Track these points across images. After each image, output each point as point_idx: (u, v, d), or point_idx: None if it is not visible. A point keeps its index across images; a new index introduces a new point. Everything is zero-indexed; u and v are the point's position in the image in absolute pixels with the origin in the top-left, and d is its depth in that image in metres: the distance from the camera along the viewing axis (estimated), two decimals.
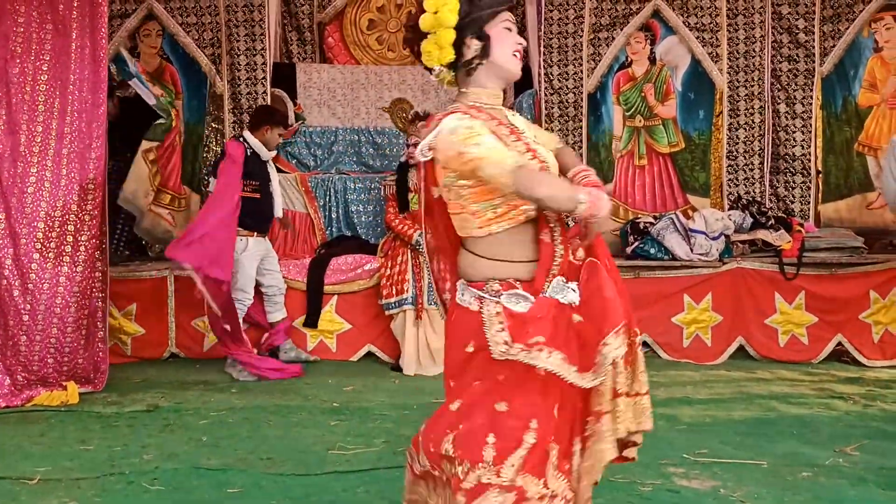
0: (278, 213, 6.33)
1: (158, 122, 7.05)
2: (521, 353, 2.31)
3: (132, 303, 6.33)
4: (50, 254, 5.21)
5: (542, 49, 7.31)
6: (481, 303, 2.39)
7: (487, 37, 2.48)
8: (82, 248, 5.28)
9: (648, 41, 7.33)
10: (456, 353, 2.44)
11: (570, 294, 2.43)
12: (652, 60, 7.33)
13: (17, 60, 5.18)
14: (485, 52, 2.48)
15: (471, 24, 2.47)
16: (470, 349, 2.40)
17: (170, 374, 5.98)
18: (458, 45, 2.48)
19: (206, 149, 7.20)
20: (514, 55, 2.50)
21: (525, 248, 2.42)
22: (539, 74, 7.36)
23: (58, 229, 5.24)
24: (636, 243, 6.77)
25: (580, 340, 2.40)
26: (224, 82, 7.19)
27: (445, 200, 2.52)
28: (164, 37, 7.22)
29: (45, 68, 5.23)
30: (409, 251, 6.14)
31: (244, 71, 7.20)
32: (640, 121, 7.35)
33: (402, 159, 6.36)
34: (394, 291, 6.12)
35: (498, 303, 2.36)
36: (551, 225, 2.40)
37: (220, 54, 7.20)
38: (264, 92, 7.25)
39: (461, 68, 2.51)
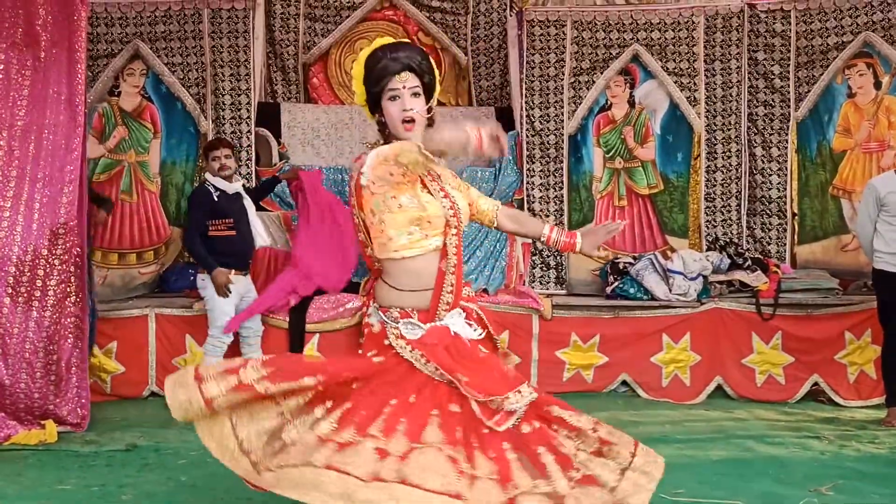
0: (260, 242, 6.31)
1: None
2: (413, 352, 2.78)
3: (112, 341, 6.31)
4: (20, 298, 5.15)
5: (523, 91, 7.41)
6: (384, 326, 2.86)
7: (381, 111, 2.90)
8: (51, 293, 5.22)
9: (628, 85, 7.43)
10: (362, 360, 2.89)
11: (467, 329, 2.86)
12: (631, 104, 7.44)
13: None
14: (383, 126, 2.93)
15: (370, 102, 2.93)
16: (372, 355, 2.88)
17: (149, 413, 5.93)
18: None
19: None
20: (403, 123, 2.85)
21: (428, 275, 2.84)
22: (521, 116, 7.46)
23: (28, 273, 5.18)
24: (616, 283, 6.83)
25: (480, 364, 2.81)
26: (209, 121, 7.24)
27: (369, 225, 2.90)
28: (147, 76, 7.27)
29: (22, 113, 5.22)
30: None
31: (229, 110, 7.27)
32: (619, 163, 7.44)
33: None
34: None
35: (396, 328, 2.82)
36: (449, 256, 2.83)
37: (204, 94, 7.26)
38: (249, 131, 7.31)
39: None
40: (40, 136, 5.24)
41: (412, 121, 2.86)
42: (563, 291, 7.26)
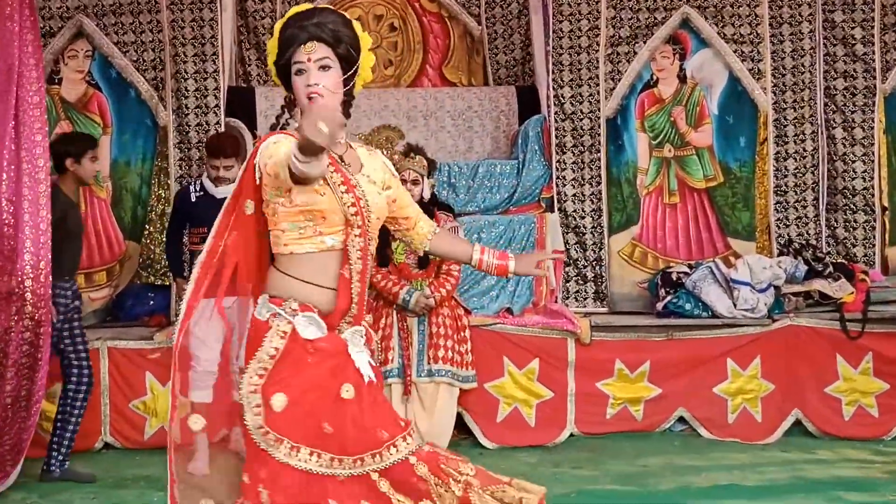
0: None
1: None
2: (254, 393, 2.85)
3: (56, 382, 6.23)
4: None
5: (550, 67, 7.38)
6: (274, 317, 2.89)
7: (289, 85, 2.99)
8: None
9: (677, 56, 7.39)
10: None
11: (362, 356, 2.90)
12: (682, 79, 7.40)
13: None
14: (290, 104, 3.04)
15: (281, 77, 3.03)
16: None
17: (103, 469, 5.89)
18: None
19: (151, 194, 7.25)
20: (309, 100, 2.92)
21: (328, 276, 2.92)
22: (548, 97, 7.42)
23: None
24: (668, 297, 6.79)
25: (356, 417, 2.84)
26: (168, 112, 7.20)
27: (264, 214, 3.00)
28: (93, 58, 7.26)
29: None
30: (393, 312, 6.11)
31: (193, 98, 7.23)
32: (669, 150, 7.40)
33: None
34: (376, 362, 6.06)
35: (290, 322, 2.86)
36: (351, 261, 2.92)
37: (163, 78, 7.23)
38: (217, 123, 7.27)
39: None
40: None
41: (317, 95, 2.91)
42: (604, 309, 7.23)
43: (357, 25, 3.05)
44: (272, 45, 3.02)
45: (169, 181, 7.17)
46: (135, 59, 7.22)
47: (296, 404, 2.81)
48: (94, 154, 5.89)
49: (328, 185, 2.89)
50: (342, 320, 2.93)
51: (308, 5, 3.08)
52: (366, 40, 3.05)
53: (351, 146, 3.05)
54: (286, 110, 3.10)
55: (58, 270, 5.47)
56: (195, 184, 6.26)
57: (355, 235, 2.92)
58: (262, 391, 2.83)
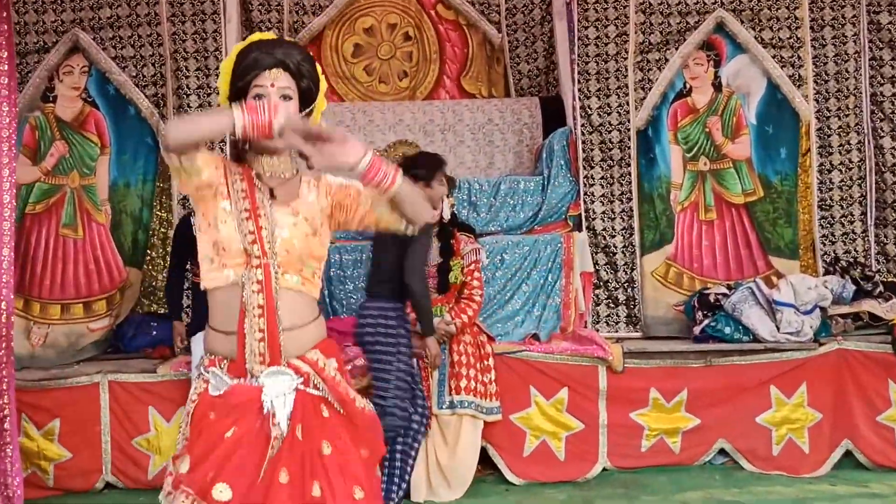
0: None
1: None
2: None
3: (54, 418, 6.33)
4: None
5: (576, 76, 7.41)
6: (197, 378, 3.02)
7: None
8: None
9: (711, 62, 7.44)
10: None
11: (281, 400, 2.89)
12: (717, 87, 7.44)
13: None
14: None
15: (232, 100, 3.05)
16: None
17: None
18: None
19: (153, 217, 7.34)
20: None
21: (232, 317, 2.96)
22: (574, 108, 7.47)
23: None
24: (706, 321, 6.78)
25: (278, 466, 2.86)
26: None
27: None
28: (90, 74, 7.37)
29: None
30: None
31: (196, 115, 7.30)
32: (704, 163, 7.43)
33: None
34: None
35: (205, 381, 2.97)
36: (245, 297, 2.92)
37: (164, 95, 7.34)
38: (222, 141, 7.33)
39: None
40: None
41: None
42: (638, 334, 7.25)
43: (318, 66, 3.16)
44: (227, 66, 3.08)
45: (171, 203, 7.26)
46: (134, 74, 7.33)
47: (197, 466, 2.86)
48: (443, 175, 5.97)
49: (232, 212, 3.00)
50: (253, 363, 2.93)
51: (273, 35, 3.17)
52: (323, 84, 3.17)
53: (302, 177, 3.11)
54: (236, 143, 3.12)
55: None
56: (191, 214, 6.31)
57: (254, 267, 2.94)
58: (175, 456, 2.98)
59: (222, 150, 7.04)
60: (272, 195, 3.04)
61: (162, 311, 7.08)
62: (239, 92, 3.03)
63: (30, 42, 7.26)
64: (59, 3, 7.31)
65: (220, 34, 7.39)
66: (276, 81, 3.00)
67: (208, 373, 2.97)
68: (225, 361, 2.98)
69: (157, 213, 7.33)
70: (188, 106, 7.33)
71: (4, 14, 5.39)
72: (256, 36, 3.11)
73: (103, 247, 7.26)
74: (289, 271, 3.00)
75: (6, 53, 5.41)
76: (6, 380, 5.36)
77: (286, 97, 3.01)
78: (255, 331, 2.93)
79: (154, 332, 6.98)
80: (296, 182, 3.10)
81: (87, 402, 6.41)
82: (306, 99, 3.08)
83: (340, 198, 3.11)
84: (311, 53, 3.18)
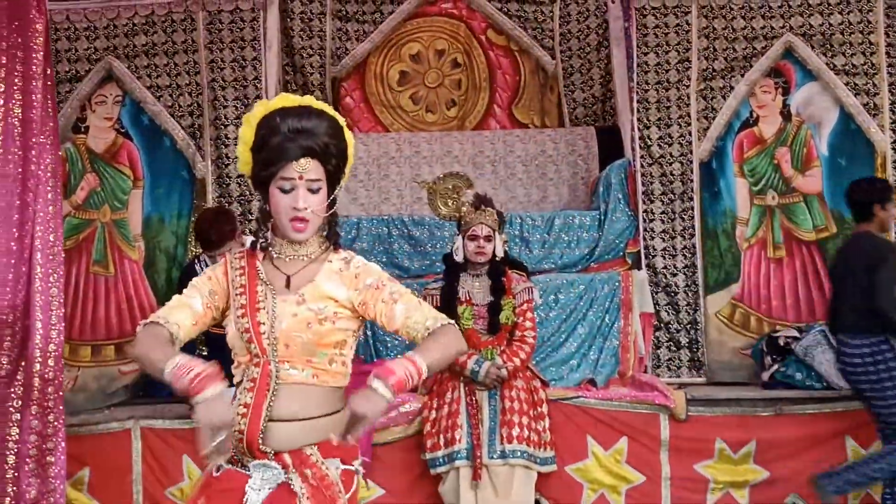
0: None
1: None
2: None
3: (83, 467, 6.37)
4: None
5: (634, 105, 7.43)
6: None
7: (267, 196, 3.10)
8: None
9: (780, 90, 7.43)
10: None
11: (258, 494, 2.99)
12: (786, 116, 7.42)
13: None
14: (265, 213, 3.13)
15: (255, 181, 3.13)
16: None
17: None
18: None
19: (188, 253, 7.37)
20: (292, 222, 3.07)
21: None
22: (632, 139, 7.48)
23: None
24: (776, 366, 6.76)
25: None
26: (207, 162, 7.39)
27: None
28: (123, 104, 7.47)
29: None
30: (461, 386, 6.09)
31: (233, 147, 7.29)
32: (773, 197, 7.41)
33: (457, 257, 6.30)
34: (441, 442, 6.06)
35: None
36: (238, 393, 3.06)
37: (201, 125, 7.42)
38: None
39: None
40: None
41: (304, 221, 3.08)
42: (702, 380, 7.21)
43: (346, 130, 3.17)
44: (247, 136, 3.10)
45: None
46: (169, 104, 7.42)
47: None
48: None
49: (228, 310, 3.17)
50: (239, 455, 3.04)
51: (296, 100, 3.13)
52: (351, 142, 3.17)
53: (329, 258, 3.16)
54: (261, 221, 3.17)
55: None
56: (196, 260, 6.33)
57: (252, 365, 3.06)
58: None
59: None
60: (287, 283, 3.12)
61: (197, 354, 7.09)
62: (262, 179, 3.08)
63: (62, 71, 7.37)
64: (93, 30, 7.43)
65: (260, 62, 7.45)
66: (304, 173, 3.03)
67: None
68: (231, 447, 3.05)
69: (193, 249, 7.32)
70: (226, 137, 7.40)
71: (40, 40, 5.51)
72: (278, 102, 3.10)
73: (136, 285, 7.33)
74: (295, 365, 3.06)
75: (41, 84, 5.53)
76: (56, 424, 5.45)
77: (314, 190, 3.05)
78: (236, 432, 2.99)
79: None
80: (318, 263, 3.16)
81: (118, 450, 6.43)
82: (335, 178, 3.13)
83: (367, 298, 3.13)
84: (338, 117, 3.15)
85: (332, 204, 3.14)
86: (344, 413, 3.01)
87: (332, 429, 3.01)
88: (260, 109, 3.11)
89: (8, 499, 5.31)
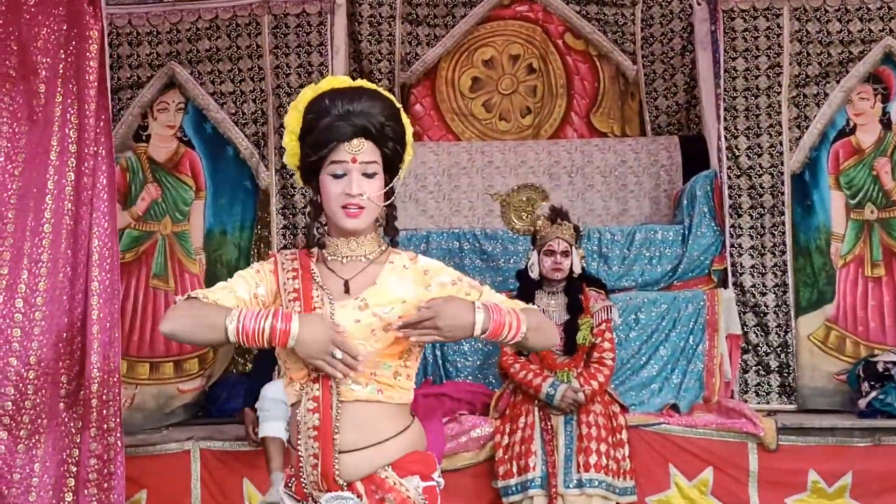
0: None
1: None
2: None
3: (140, 489, 6.37)
4: (22, 431, 5.21)
5: (721, 113, 7.36)
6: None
7: (317, 185, 2.94)
8: (62, 423, 5.30)
9: (879, 97, 7.32)
10: None
11: None
12: (885, 124, 7.31)
13: None
14: (317, 206, 2.97)
15: (304, 169, 2.97)
16: None
17: None
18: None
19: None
20: (344, 210, 2.89)
21: (296, 436, 2.90)
22: (719, 149, 7.40)
23: (32, 396, 5.24)
24: (873, 393, 6.69)
25: None
26: (271, 172, 7.37)
27: None
28: (186, 112, 7.50)
29: (17, 172, 5.34)
30: (535, 409, 6.08)
31: None
32: (871, 211, 7.29)
33: (533, 273, 6.32)
34: (514, 469, 6.03)
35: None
36: (299, 416, 2.86)
37: (265, 134, 7.41)
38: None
39: None
40: (41, 204, 5.37)
41: (361, 209, 2.89)
42: (793, 407, 7.12)
43: (403, 115, 3.01)
44: (293, 122, 2.94)
45: (271, 252, 7.27)
46: (233, 111, 7.43)
47: None
48: None
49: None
50: (309, 488, 2.90)
51: (346, 81, 2.99)
52: (409, 129, 3.01)
53: (390, 257, 3.00)
54: (313, 215, 3.01)
55: None
56: None
57: (310, 381, 2.85)
58: None
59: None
60: (346, 288, 2.93)
61: (235, 371, 7.15)
62: (311, 166, 2.92)
63: (123, 77, 7.43)
64: (155, 35, 7.48)
65: (327, 67, 7.44)
66: (357, 155, 2.86)
67: (283, 489, 3.00)
68: (293, 480, 2.96)
69: (255, 263, 7.33)
70: None
71: (94, 47, 5.50)
72: (327, 83, 2.95)
73: None
74: (357, 380, 2.85)
75: (95, 92, 5.52)
76: (117, 447, 5.43)
77: (370, 175, 2.89)
78: (309, 456, 2.85)
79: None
80: (379, 264, 2.98)
81: (176, 472, 6.43)
82: (392, 165, 2.95)
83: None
84: (394, 100, 2.99)
85: (389, 194, 2.95)
86: (413, 427, 2.95)
87: (405, 447, 2.90)
88: (307, 93, 2.93)
89: None
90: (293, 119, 2.92)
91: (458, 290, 2.95)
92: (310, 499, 2.89)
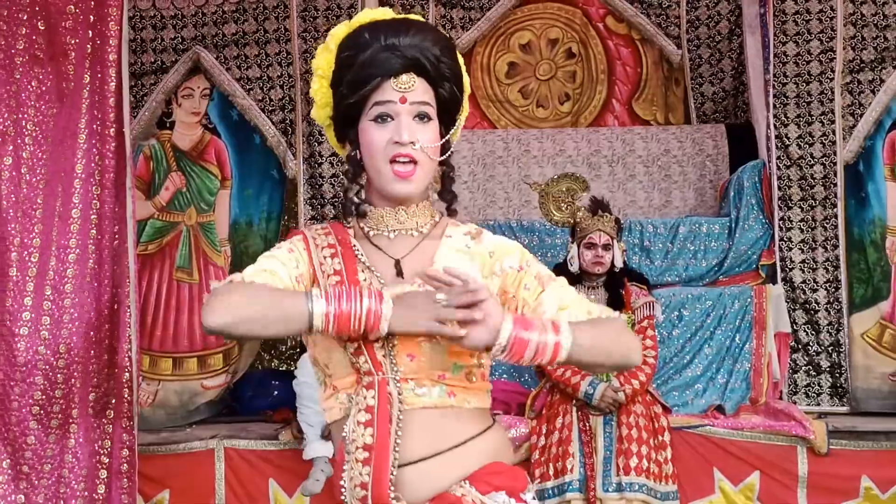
0: None
1: None
2: None
3: (163, 489, 6.42)
4: (53, 421, 5.27)
5: (771, 100, 7.32)
6: None
7: (356, 137, 2.49)
8: (94, 412, 5.37)
9: None
10: None
11: None
12: None
13: (9, 146, 5.36)
14: (356, 164, 2.50)
15: (339, 119, 2.53)
16: None
17: None
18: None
19: None
20: (392, 165, 2.44)
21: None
22: (767, 138, 7.37)
23: (62, 386, 5.30)
24: None
25: None
26: (299, 161, 7.39)
27: None
28: (211, 98, 7.53)
29: (45, 157, 5.39)
30: (573, 409, 6.05)
31: (327, 144, 7.30)
32: None
33: (572, 267, 6.25)
34: (551, 472, 6.01)
35: None
36: (346, 431, 2.37)
37: (293, 121, 7.43)
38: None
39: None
40: (69, 190, 5.41)
41: (413, 164, 2.44)
42: (845, 409, 7.08)
43: (459, 56, 2.59)
44: (325, 65, 2.51)
45: (297, 229, 7.29)
46: (260, 98, 7.44)
47: None
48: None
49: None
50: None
51: (388, 13, 2.56)
52: (467, 82, 2.61)
53: (446, 229, 2.59)
54: (350, 175, 2.54)
55: None
56: None
57: (363, 387, 2.39)
58: None
59: None
60: (398, 270, 2.50)
61: (283, 369, 7.15)
62: (349, 111, 2.48)
63: (146, 62, 7.46)
64: (180, 18, 7.50)
65: None
66: (407, 94, 2.42)
67: None
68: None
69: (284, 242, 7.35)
70: (319, 134, 7.35)
71: (116, 27, 5.53)
72: (367, 15, 2.51)
73: None
74: (422, 383, 2.42)
75: (115, 72, 5.56)
76: (128, 446, 5.49)
77: (423, 116, 2.45)
78: (356, 486, 2.37)
79: (276, 392, 7.05)
80: (434, 239, 2.56)
81: (200, 471, 6.47)
82: (449, 112, 2.52)
83: (508, 284, 2.55)
84: (447, 36, 2.61)
85: (446, 147, 2.51)
86: (494, 431, 2.52)
87: (485, 456, 2.44)
88: (341, 30, 2.51)
89: None
90: (324, 61, 2.51)
91: (516, 281, 2.53)
92: None
